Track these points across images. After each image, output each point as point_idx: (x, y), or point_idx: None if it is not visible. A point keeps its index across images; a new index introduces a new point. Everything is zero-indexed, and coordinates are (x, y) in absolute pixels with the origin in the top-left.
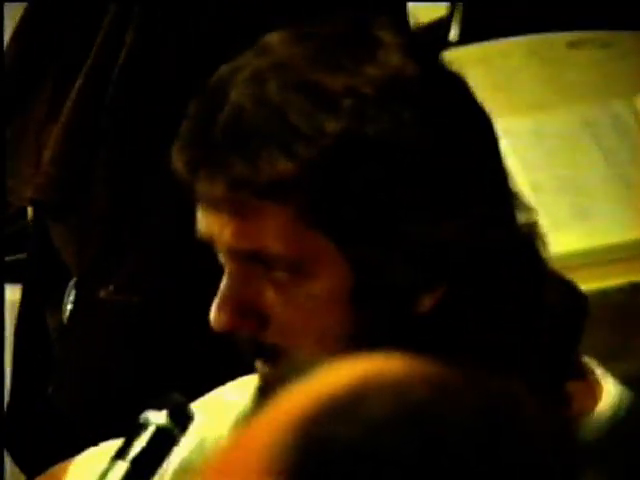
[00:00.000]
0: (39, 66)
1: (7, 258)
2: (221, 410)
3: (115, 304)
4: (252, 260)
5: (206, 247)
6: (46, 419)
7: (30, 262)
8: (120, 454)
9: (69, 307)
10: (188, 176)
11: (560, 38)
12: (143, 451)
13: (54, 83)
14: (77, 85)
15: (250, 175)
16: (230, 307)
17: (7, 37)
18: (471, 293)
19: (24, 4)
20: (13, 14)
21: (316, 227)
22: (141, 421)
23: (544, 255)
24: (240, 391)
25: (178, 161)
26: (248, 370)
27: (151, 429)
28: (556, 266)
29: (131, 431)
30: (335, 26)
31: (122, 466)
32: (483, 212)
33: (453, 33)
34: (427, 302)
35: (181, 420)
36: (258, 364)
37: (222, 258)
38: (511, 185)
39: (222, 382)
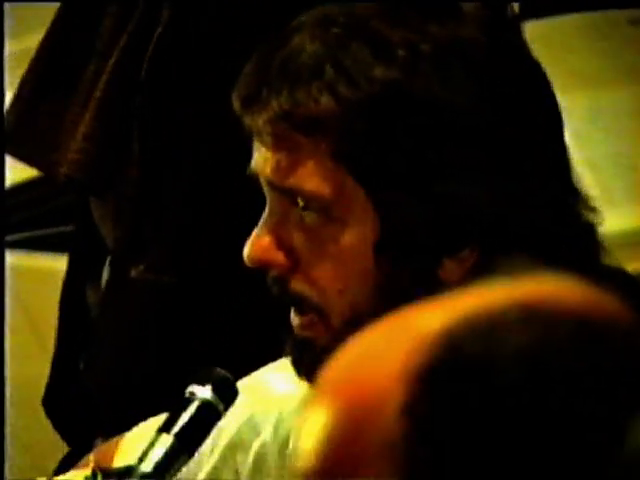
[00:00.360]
0: (81, 46)
1: (55, 229)
2: (265, 391)
3: (146, 283)
4: (288, 199)
5: (236, 231)
6: (80, 395)
7: (75, 236)
8: (165, 428)
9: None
10: (241, 111)
11: (620, 15)
12: (188, 425)
13: (94, 60)
14: (111, 62)
15: (291, 108)
16: (267, 237)
17: (7, 39)
18: (502, 267)
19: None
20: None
21: (349, 170)
22: (186, 395)
23: (601, 245)
24: (282, 374)
25: (235, 98)
26: (278, 353)
27: (196, 403)
28: (610, 243)
29: (176, 405)
30: None
31: (167, 439)
32: (527, 187)
33: (512, 9)
34: (453, 268)
35: (225, 395)
36: (293, 318)
37: (265, 191)
38: (574, 174)
39: (254, 365)
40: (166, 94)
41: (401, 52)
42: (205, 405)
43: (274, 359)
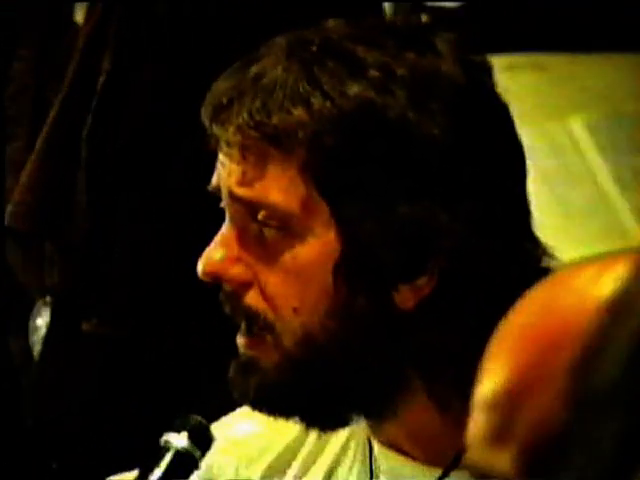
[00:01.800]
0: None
1: None
2: (225, 437)
3: (99, 337)
4: (249, 213)
5: (198, 281)
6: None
7: None
8: (141, 478)
9: (42, 332)
10: (210, 122)
11: (495, 61)
12: (164, 475)
13: (8, 103)
14: (52, 112)
15: (262, 118)
16: (222, 250)
17: None
18: (456, 297)
19: None
20: None
21: (316, 185)
22: (161, 444)
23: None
24: (246, 415)
25: (204, 110)
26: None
27: (171, 452)
28: None
29: (151, 454)
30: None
31: None
32: (484, 221)
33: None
34: (409, 295)
35: (201, 442)
36: (239, 338)
37: (224, 205)
38: (528, 220)
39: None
40: (113, 144)
41: (376, 73)
42: (182, 453)
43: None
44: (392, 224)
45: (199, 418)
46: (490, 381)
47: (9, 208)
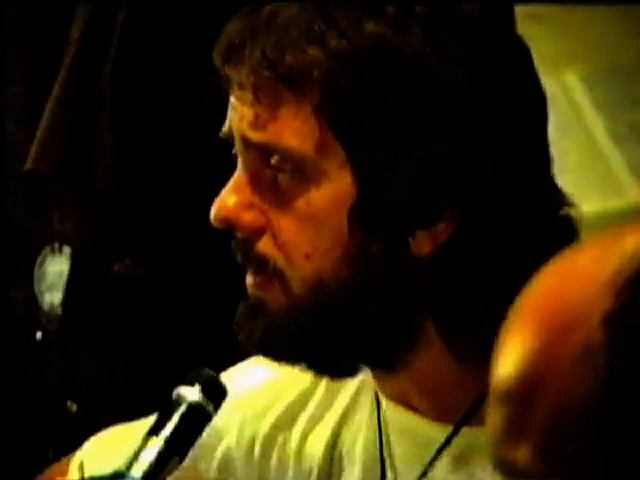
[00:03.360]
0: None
1: None
2: (229, 393)
3: (132, 278)
4: (262, 158)
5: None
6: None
7: None
8: (153, 431)
9: (51, 279)
10: (222, 63)
11: None
12: (177, 428)
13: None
14: (69, 54)
15: (276, 57)
16: (235, 197)
17: None
18: (476, 246)
19: None
20: None
21: (330, 127)
22: (174, 397)
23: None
24: (249, 369)
25: (217, 51)
26: None
27: (184, 406)
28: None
29: (164, 407)
30: None
31: (156, 444)
32: (509, 169)
33: None
34: (426, 241)
35: (214, 395)
36: (248, 278)
37: (237, 151)
38: (549, 167)
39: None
40: (137, 84)
41: (392, 10)
42: (194, 407)
43: None
44: (409, 167)
45: (212, 372)
46: (504, 368)
47: (32, 150)
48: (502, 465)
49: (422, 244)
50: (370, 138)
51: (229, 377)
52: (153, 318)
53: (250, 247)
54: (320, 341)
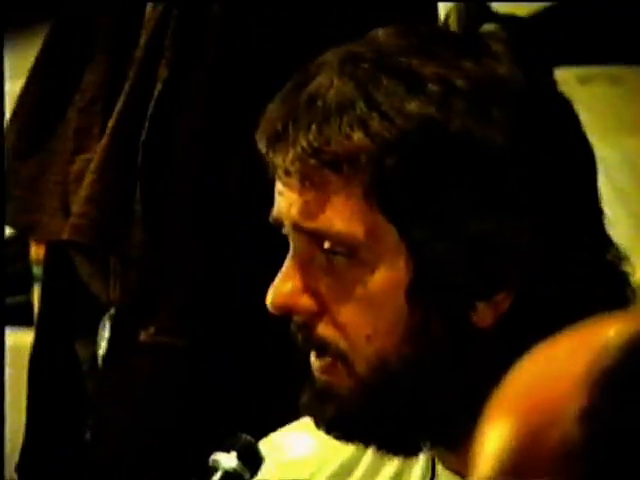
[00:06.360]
0: (59, 99)
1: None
2: (281, 456)
3: (157, 347)
4: (315, 242)
5: (254, 287)
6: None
7: (47, 299)
8: None
9: (104, 344)
10: (267, 150)
11: (570, 73)
12: None
13: (79, 115)
14: (111, 122)
15: (320, 144)
16: (291, 282)
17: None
18: (537, 310)
19: None
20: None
21: (381, 209)
22: (210, 464)
23: (633, 293)
24: (299, 435)
25: (260, 137)
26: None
27: (220, 472)
28: None
29: (200, 474)
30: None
31: None
32: (562, 232)
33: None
34: (488, 312)
35: (251, 462)
36: (312, 359)
37: (289, 238)
38: (603, 221)
39: (274, 426)
40: (168, 153)
41: (435, 87)
42: (230, 474)
43: (295, 418)
44: (463, 242)
45: (249, 438)
46: (484, 464)
47: (71, 221)
48: None
49: (484, 316)
50: (422, 217)
51: (269, 443)
52: (185, 384)
53: (310, 331)
54: (389, 421)
